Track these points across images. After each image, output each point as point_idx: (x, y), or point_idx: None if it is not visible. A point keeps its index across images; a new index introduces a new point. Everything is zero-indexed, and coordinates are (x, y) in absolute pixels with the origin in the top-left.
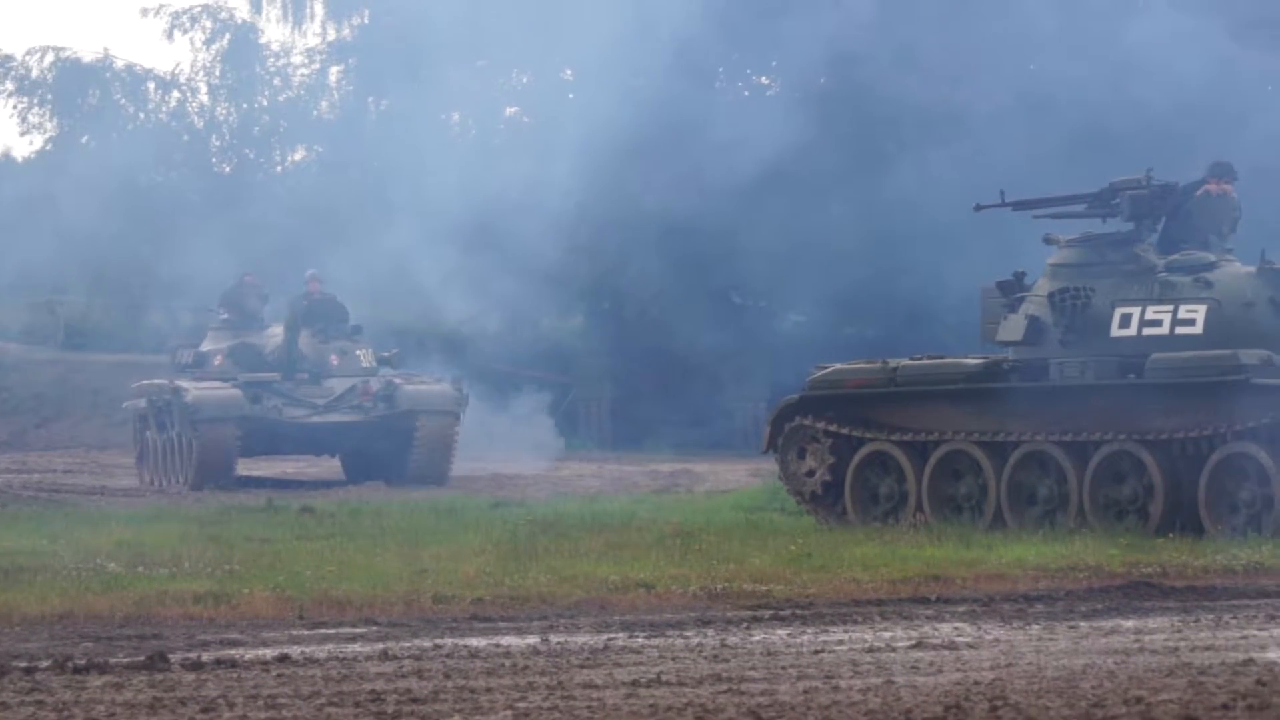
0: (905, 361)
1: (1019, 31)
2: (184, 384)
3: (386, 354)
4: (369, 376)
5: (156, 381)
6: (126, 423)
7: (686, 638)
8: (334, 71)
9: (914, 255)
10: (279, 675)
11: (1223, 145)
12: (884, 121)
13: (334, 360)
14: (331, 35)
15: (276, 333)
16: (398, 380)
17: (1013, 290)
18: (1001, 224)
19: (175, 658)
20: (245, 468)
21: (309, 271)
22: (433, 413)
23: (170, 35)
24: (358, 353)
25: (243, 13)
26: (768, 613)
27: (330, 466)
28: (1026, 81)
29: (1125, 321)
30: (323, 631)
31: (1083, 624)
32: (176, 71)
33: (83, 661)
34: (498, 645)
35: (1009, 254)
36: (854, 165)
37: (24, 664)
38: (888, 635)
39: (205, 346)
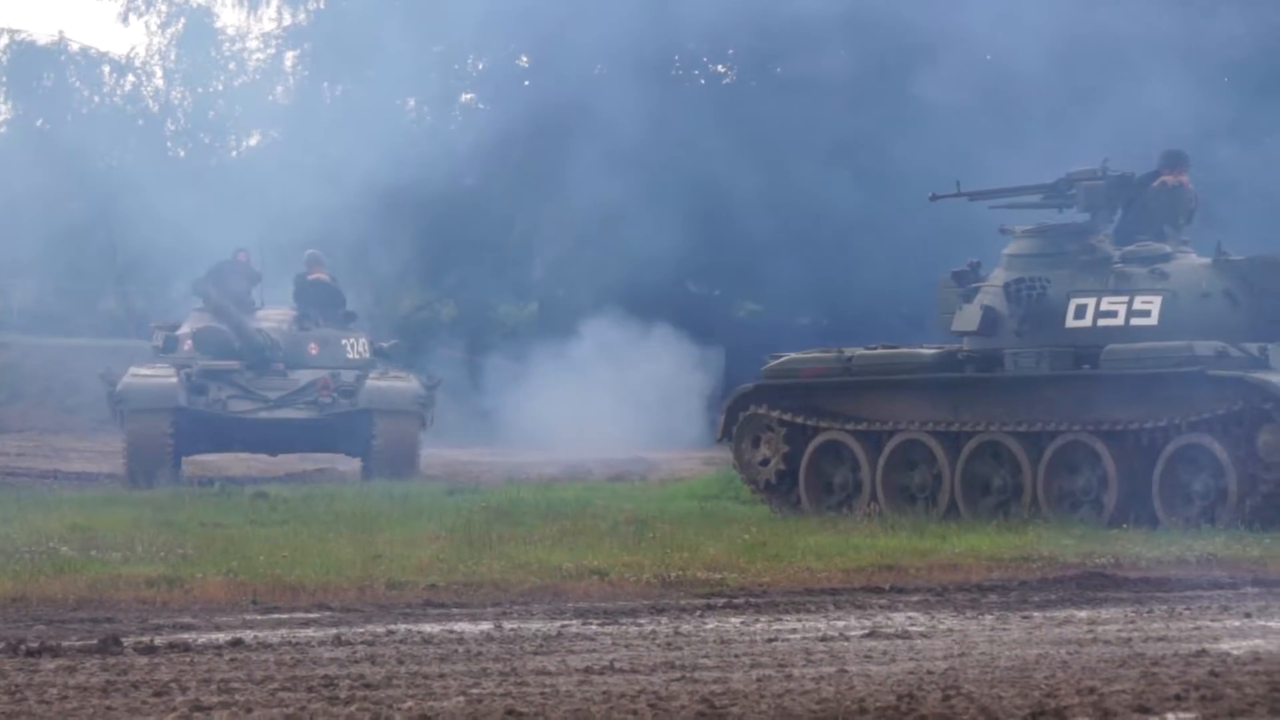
0: (860, 351)
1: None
2: (136, 369)
3: (385, 345)
4: (340, 369)
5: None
6: (80, 408)
7: (640, 625)
8: (289, 56)
9: (869, 245)
10: (232, 660)
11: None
12: (843, 110)
13: (313, 349)
14: (287, 20)
15: (266, 316)
16: (372, 376)
17: (968, 280)
18: (957, 214)
19: (128, 641)
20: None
21: (308, 252)
22: (391, 412)
23: (125, 19)
24: (345, 342)
25: None
26: (721, 601)
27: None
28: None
29: (1080, 312)
30: (276, 616)
31: (1036, 614)
32: (132, 55)
33: (35, 644)
34: (451, 631)
35: (965, 244)
36: (807, 153)
37: None
38: (841, 624)
39: (183, 329)
